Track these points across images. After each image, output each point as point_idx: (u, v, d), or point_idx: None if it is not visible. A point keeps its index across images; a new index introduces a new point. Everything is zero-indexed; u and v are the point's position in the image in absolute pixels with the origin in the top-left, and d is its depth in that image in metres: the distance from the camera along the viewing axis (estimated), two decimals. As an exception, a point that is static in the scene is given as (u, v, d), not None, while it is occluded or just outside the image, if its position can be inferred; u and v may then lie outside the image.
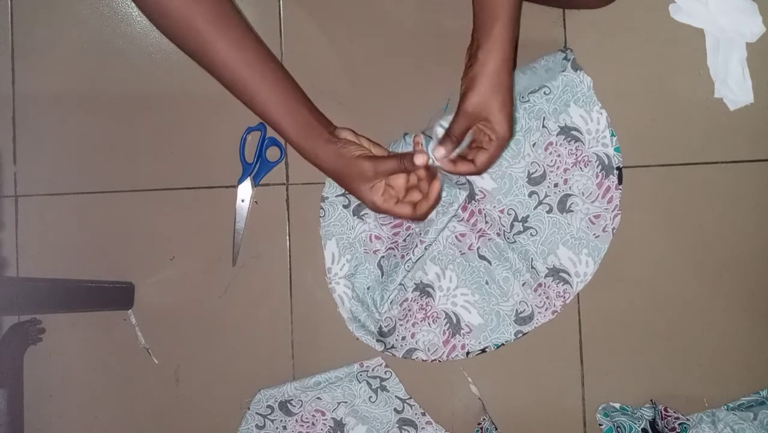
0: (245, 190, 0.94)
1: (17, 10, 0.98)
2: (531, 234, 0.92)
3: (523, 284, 0.92)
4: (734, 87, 0.93)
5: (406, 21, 0.95)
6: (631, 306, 0.93)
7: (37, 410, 0.94)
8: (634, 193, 0.93)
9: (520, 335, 0.92)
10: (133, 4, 0.65)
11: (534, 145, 0.92)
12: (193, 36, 0.65)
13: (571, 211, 0.92)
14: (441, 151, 0.68)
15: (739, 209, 0.94)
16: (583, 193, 0.92)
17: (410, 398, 0.93)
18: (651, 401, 0.92)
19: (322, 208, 0.94)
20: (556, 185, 0.92)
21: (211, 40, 0.65)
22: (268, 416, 0.93)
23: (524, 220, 0.92)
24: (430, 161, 0.69)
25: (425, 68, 0.95)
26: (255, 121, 0.94)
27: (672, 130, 0.94)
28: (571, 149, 0.92)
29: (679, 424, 0.86)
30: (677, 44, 0.94)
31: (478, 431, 0.92)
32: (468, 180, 0.91)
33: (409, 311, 0.92)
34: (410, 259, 0.88)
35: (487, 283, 0.92)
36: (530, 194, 0.92)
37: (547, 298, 0.92)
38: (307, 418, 0.93)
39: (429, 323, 0.93)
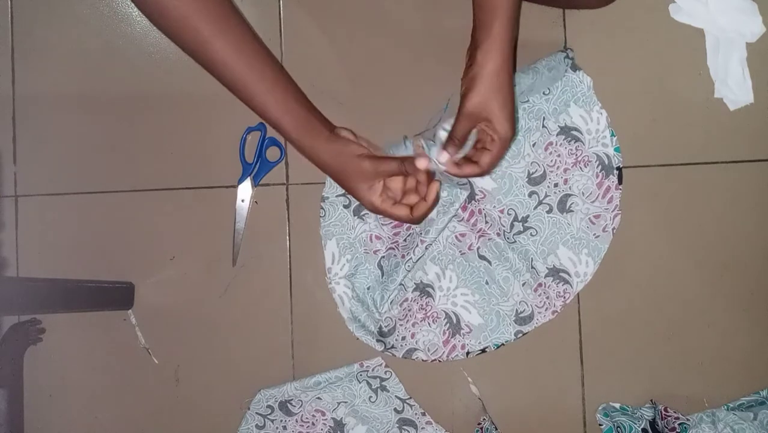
0: (245, 190, 0.94)
1: (17, 10, 0.98)
2: (531, 234, 0.92)
3: (523, 284, 0.92)
4: (734, 87, 0.93)
5: (406, 21, 0.95)
6: (631, 306, 0.93)
7: (37, 410, 0.94)
8: (634, 193, 0.93)
9: (520, 335, 0.92)
10: (132, 4, 0.65)
11: (534, 145, 0.92)
12: (193, 35, 0.65)
13: (571, 211, 0.92)
14: (445, 156, 0.68)
15: (739, 209, 0.94)
16: (583, 193, 0.92)
17: (410, 398, 0.93)
18: (651, 401, 0.92)
19: (322, 208, 0.94)
20: (556, 185, 0.92)
21: (211, 39, 0.65)
22: (268, 416, 0.93)
23: (524, 220, 0.92)
24: (432, 165, 0.69)
25: (425, 68, 0.95)
26: (255, 121, 0.94)
27: (672, 130, 0.94)
28: (571, 149, 0.92)
29: (679, 424, 0.86)
30: (677, 44, 0.94)
31: (478, 431, 0.92)
32: (468, 180, 0.91)
33: (409, 311, 0.92)
34: (411, 259, 0.88)
35: (487, 283, 0.92)
36: (530, 194, 0.92)
37: (547, 298, 0.92)
38: (307, 418, 0.93)
39: (429, 323, 0.93)
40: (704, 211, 0.94)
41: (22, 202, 0.97)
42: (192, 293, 0.95)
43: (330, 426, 0.93)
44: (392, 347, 0.92)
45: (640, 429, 0.89)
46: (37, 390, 0.94)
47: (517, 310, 0.92)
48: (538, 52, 0.91)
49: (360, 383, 0.93)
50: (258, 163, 0.94)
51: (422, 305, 0.93)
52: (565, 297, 0.92)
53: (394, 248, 0.92)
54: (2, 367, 0.89)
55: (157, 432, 0.95)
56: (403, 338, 0.92)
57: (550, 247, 0.92)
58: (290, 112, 0.69)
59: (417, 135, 0.92)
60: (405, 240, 0.91)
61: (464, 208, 0.92)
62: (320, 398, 0.93)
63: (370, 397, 0.93)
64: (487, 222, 0.92)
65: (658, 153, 0.94)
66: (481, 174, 0.70)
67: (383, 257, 0.93)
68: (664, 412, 0.88)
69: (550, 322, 0.92)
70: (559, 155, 0.92)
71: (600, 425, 0.92)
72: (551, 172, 0.92)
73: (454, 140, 0.68)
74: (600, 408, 0.92)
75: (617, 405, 0.92)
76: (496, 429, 0.91)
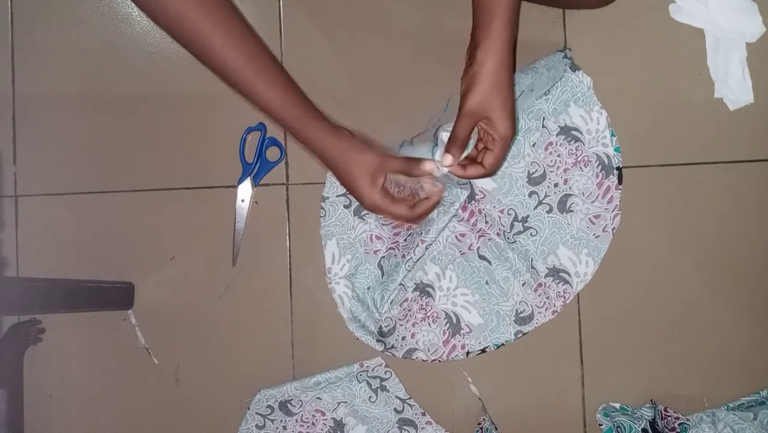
0: (245, 190, 0.94)
1: (17, 10, 0.98)
2: (531, 234, 0.92)
3: (523, 284, 0.92)
4: (734, 87, 0.93)
5: (406, 21, 0.95)
6: (631, 306, 0.93)
7: (37, 410, 0.94)
8: (634, 193, 0.93)
9: (520, 335, 0.92)
10: (133, 4, 0.65)
11: (534, 145, 0.92)
12: (191, 33, 0.65)
13: (571, 211, 0.92)
14: (449, 159, 0.68)
15: (739, 209, 0.94)
16: (583, 193, 0.92)
17: (410, 398, 0.93)
18: (651, 401, 0.92)
19: (322, 208, 0.94)
20: (556, 185, 0.92)
21: (210, 36, 0.65)
22: (268, 416, 0.93)
23: (524, 220, 0.92)
24: (437, 169, 0.69)
25: (425, 68, 0.95)
26: (255, 121, 0.94)
27: (672, 130, 0.94)
28: (571, 149, 0.92)
29: (679, 424, 0.86)
30: (677, 44, 0.94)
31: (478, 431, 0.92)
32: (468, 180, 0.91)
33: (409, 311, 0.92)
34: (411, 259, 0.88)
35: (487, 283, 0.92)
36: (530, 194, 0.92)
37: (547, 298, 0.92)
38: (307, 418, 0.93)
39: (429, 323, 0.93)
40: (704, 211, 0.94)
41: (22, 202, 0.97)
42: (192, 293, 0.95)
43: (330, 426, 0.93)
44: (392, 347, 0.92)
45: (640, 429, 0.89)
46: (37, 390, 0.94)
47: (517, 310, 0.92)
48: (538, 52, 0.92)
49: (360, 383, 0.93)
50: (258, 163, 0.94)
51: (422, 305, 0.93)
52: (565, 297, 0.92)
53: (394, 248, 0.92)
54: (2, 367, 0.89)
55: (157, 432, 0.95)
56: (403, 338, 0.92)
57: (550, 247, 0.92)
58: (295, 106, 0.69)
59: (416, 137, 0.92)
60: (405, 240, 0.91)
61: (464, 208, 0.92)
62: (320, 398, 0.93)
63: (370, 397, 0.93)
64: (487, 222, 0.92)
65: (658, 153, 0.94)
66: (485, 175, 0.70)
67: (383, 257, 0.93)
68: (664, 412, 0.88)
69: (550, 322, 0.92)
70: (559, 155, 0.92)
71: (600, 425, 0.92)
72: (551, 172, 0.92)
73: (455, 141, 0.68)
74: (600, 408, 0.92)
75: (617, 405, 0.92)
76: (496, 429, 0.91)
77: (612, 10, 0.89)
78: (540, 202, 0.92)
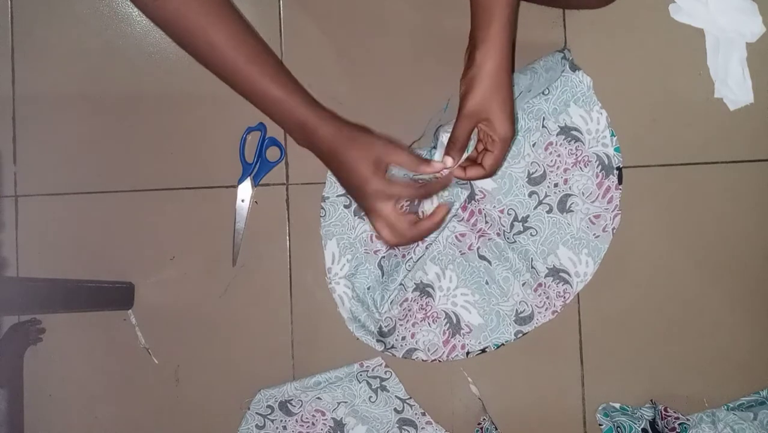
0: (245, 190, 0.94)
1: (17, 10, 0.98)
2: (531, 234, 0.92)
3: (523, 284, 0.92)
4: (734, 87, 0.93)
5: (406, 21, 0.95)
6: (631, 306, 0.93)
7: (37, 410, 0.94)
8: (634, 193, 0.93)
9: (520, 335, 0.92)
10: (132, 4, 0.65)
11: (534, 145, 0.92)
12: (191, 32, 0.65)
13: (571, 211, 0.92)
14: (450, 161, 0.68)
15: (739, 209, 0.94)
16: (583, 193, 0.92)
17: (410, 398, 0.93)
18: (651, 401, 0.92)
19: (322, 208, 0.94)
20: (556, 185, 0.92)
21: (210, 35, 0.65)
22: (268, 416, 0.93)
23: (524, 220, 0.92)
24: (444, 171, 0.69)
25: (425, 68, 0.95)
26: (255, 121, 0.94)
27: (672, 130, 0.94)
28: (571, 149, 0.92)
29: (679, 424, 0.86)
30: (677, 44, 0.94)
31: (478, 431, 0.92)
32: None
33: (409, 311, 0.92)
34: (411, 259, 0.88)
35: (487, 283, 0.92)
36: (530, 194, 0.92)
37: (547, 298, 0.92)
38: (307, 418, 0.93)
39: (429, 323, 0.93)
40: (704, 211, 0.94)
41: (22, 202, 0.97)
42: (192, 293, 0.95)
43: (330, 426, 0.93)
44: (392, 347, 0.92)
45: (640, 429, 0.89)
46: (37, 390, 0.94)
47: (517, 310, 0.92)
48: (537, 52, 0.91)
49: (360, 383, 0.93)
50: (258, 163, 0.94)
51: (422, 305, 0.93)
52: (565, 297, 0.92)
53: (394, 248, 0.92)
54: (2, 367, 0.89)
55: (157, 432, 0.95)
56: (403, 338, 0.92)
57: (550, 247, 0.92)
58: (297, 92, 0.67)
59: (416, 141, 0.92)
60: (405, 240, 0.91)
61: (464, 208, 0.92)
62: (320, 398, 0.93)
63: (370, 397, 0.93)
64: (487, 222, 0.92)
65: (658, 153, 0.94)
66: (485, 176, 0.69)
67: (383, 256, 0.93)
68: (664, 412, 0.88)
69: (550, 322, 0.92)
70: (559, 155, 0.92)
71: (600, 425, 0.92)
72: (551, 172, 0.92)
73: (455, 143, 0.68)
74: (600, 408, 0.92)
75: (617, 405, 0.92)
76: (496, 429, 0.91)
77: (612, 10, 0.89)
78: (540, 202, 0.92)
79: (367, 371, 0.93)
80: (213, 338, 0.95)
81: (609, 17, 0.93)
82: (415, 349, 0.93)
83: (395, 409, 0.93)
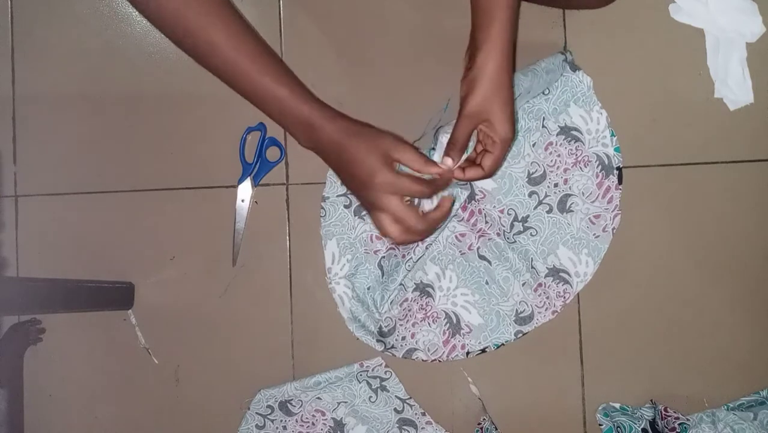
0: (245, 190, 0.94)
1: (17, 10, 0.98)
2: (531, 234, 0.92)
3: (523, 284, 0.92)
4: (734, 87, 0.93)
5: (406, 21, 0.95)
6: (631, 306, 0.93)
7: (37, 410, 0.94)
8: (634, 193, 0.93)
9: (520, 335, 0.92)
10: (130, 4, 0.65)
11: (534, 145, 0.92)
12: (191, 33, 0.65)
13: (571, 211, 0.92)
14: (449, 162, 0.68)
15: (739, 209, 0.94)
16: (583, 193, 0.92)
17: (410, 398, 0.93)
18: (651, 401, 0.92)
19: (322, 208, 0.94)
20: (556, 185, 0.92)
21: (211, 35, 0.65)
22: (268, 416, 0.93)
23: (524, 220, 0.92)
24: (448, 172, 0.69)
25: (425, 68, 0.95)
26: (255, 121, 0.94)
27: (672, 130, 0.94)
28: (571, 149, 0.92)
29: (679, 424, 0.86)
30: (677, 44, 0.94)
31: (478, 431, 0.92)
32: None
33: (409, 311, 0.92)
34: (411, 259, 0.88)
35: (487, 283, 0.92)
36: (530, 194, 0.92)
37: (547, 298, 0.92)
38: (307, 418, 0.93)
39: (429, 323, 0.93)
40: (704, 211, 0.94)
41: (22, 202, 0.97)
42: (192, 293, 0.95)
43: (330, 426, 0.93)
44: (392, 347, 0.92)
45: (640, 429, 0.89)
46: (37, 390, 0.94)
47: (517, 310, 0.92)
48: (537, 52, 0.91)
49: (360, 383, 0.93)
50: (258, 163, 0.94)
51: (422, 305, 0.93)
52: (565, 297, 0.92)
53: (394, 248, 0.92)
54: (2, 367, 0.89)
55: (157, 432, 0.95)
56: (403, 338, 0.92)
57: (550, 247, 0.92)
58: (299, 90, 0.66)
59: (415, 141, 0.92)
60: (405, 240, 0.91)
61: (464, 208, 0.92)
62: (320, 398, 0.93)
63: (370, 397, 0.93)
64: (487, 222, 0.92)
65: (658, 153, 0.94)
66: (484, 177, 0.69)
67: (383, 256, 0.93)
68: (664, 412, 0.88)
69: (550, 322, 0.92)
70: (559, 155, 0.92)
71: (600, 425, 0.92)
72: (551, 172, 0.92)
73: (455, 144, 0.68)
74: (600, 408, 0.92)
75: (617, 405, 0.92)
76: (496, 429, 0.91)
77: (612, 10, 0.89)
78: (540, 202, 0.92)
79: (367, 371, 0.93)
80: (213, 338, 0.95)
81: (609, 17, 0.93)
82: (415, 349, 0.93)
83: (395, 409, 0.93)
